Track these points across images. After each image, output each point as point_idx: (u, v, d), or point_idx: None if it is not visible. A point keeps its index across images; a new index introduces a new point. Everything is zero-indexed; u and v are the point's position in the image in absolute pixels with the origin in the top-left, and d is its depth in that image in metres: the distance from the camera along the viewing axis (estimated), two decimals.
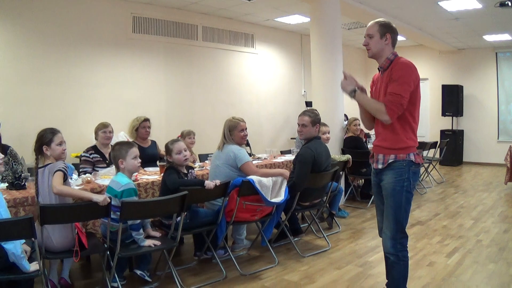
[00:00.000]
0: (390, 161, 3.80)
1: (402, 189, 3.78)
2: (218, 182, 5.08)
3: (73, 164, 6.37)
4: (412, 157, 3.77)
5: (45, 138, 4.36)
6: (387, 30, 3.85)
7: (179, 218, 4.58)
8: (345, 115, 10.65)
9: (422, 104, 12.86)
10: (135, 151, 4.72)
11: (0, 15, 7.85)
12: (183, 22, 10.65)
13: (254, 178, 5.16)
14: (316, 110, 6.32)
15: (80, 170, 6.36)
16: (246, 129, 5.87)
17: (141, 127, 7.14)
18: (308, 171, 5.72)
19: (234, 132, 5.74)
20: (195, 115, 10.93)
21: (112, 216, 4.22)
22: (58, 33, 8.53)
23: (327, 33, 8.98)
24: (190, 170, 5.45)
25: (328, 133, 7.70)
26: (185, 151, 5.25)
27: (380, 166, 3.89)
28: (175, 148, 5.17)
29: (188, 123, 9.78)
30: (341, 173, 7.35)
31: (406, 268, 3.94)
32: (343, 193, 8.73)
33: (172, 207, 4.43)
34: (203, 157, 8.06)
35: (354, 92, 3.89)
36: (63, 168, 4.21)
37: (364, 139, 9.42)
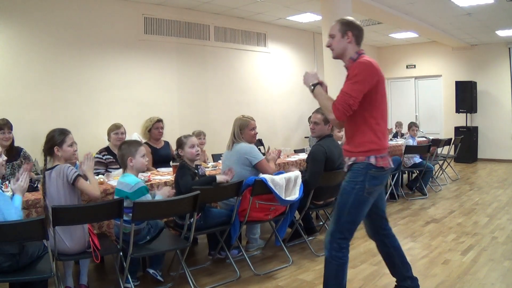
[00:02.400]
0: (349, 163, 3.75)
1: (352, 191, 3.67)
2: (229, 178, 5.11)
3: None
4: (371, 160, 3.65)
5: (57, 139, 4.35)
6: (348, 28, 3.75)
7: (192, 219, 4.56)
8: None
9: (436, 101, 12.93)
10: (143, 149, 4.73)
11: (11, 19, 7.90)
12: (195, 22, 10.66)
13: (267, 176, 5.12)
14: None
15: (93, 171, 6.35)
16: (256, 127, 5.84)
17: (154, 127, 7.13)
18: (321, 169, 5.68)
19: (245, 130, 5.71)
20: (208, 115, 10.94)
21: (125, 218, 4.18)
22: (70, 36, 8.57)
23: None
24: (199, 166, 5.42)
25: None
26: (197, 146, 5.25)
27: (345, 169, 3.85)
28: (189, 142, 5.17)
29: (201, 123, 9.77)
30: None
31: (339, 270, 3.74)
32: None
33: (185, 207, 4.40)
34: (216, 157, 8.06)
35: (315, 86, 3.83)
36: (75, 171, 4.22)
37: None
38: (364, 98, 3.55)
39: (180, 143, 5.22)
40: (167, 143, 7.43)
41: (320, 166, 5.69)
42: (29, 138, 6.84)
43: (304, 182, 5.54)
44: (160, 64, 10.05)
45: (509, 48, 14.89)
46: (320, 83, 3.85)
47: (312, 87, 3.84)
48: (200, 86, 10.83)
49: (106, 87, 9.08)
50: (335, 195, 6.13)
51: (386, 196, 8.70)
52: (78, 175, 4.19)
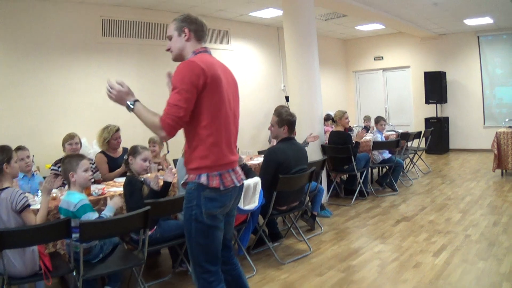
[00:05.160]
0: (181, 182, 3.32)
1: (190, 218, 3.17)
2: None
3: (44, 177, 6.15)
4: (202, 179, 3.13)
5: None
6: (184, 24, 3.32)
7: (148, 233, 4.30)
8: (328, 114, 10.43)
9: (405, 93, 12.80)
10: (85, 163, 4.47)
11: None
12: (154, 22, 10.31)
13: None
14: (288, 109, 5.98)
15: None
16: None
17: (112, 138, 6.79)
18: (270, 175, 5.46)
19: None
20: None
21: (74, 236, 3.95)
22: (26, 41, 8.27)
23: (300, 25, 8.63)
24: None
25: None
26: (149, 162, 5.00)
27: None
28: (143, 154, 4.97)
29: None
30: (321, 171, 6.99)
31: None
32: (326, 190, 8.49)
33: (135, 224, 4.14)
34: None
35: (134, 103, 3.29)
36: (25, 201, 4.01)
37: None
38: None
39: (134, 151, 4.98)
40: (126, 150, 7.09)
41: (269, 172, 5.48)
42: None
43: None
44: (120, 67, 9.70)
45: (478, 37, 14.76)
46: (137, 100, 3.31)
47: (132, 106, 3.28)
48: (161, 87, 10.40)
49: (66, 93, 8.77)
50: (299, 198, 5.95)
51: (355, 194, 8.52)
52: (27, 206, 4.00)
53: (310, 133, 7.69)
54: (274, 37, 13.71)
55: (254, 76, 13.09)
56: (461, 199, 8.39)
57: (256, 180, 5.17)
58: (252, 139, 12.59)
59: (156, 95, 10.27)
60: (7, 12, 8.01)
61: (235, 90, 3.52)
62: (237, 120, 3.47)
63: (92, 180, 4.97)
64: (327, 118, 10.35)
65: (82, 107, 8.94)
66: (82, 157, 4.57)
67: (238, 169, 3.39)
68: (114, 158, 6.81)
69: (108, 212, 4.43)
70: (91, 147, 8.10)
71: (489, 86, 14.79)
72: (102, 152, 6.82)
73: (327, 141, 8.71)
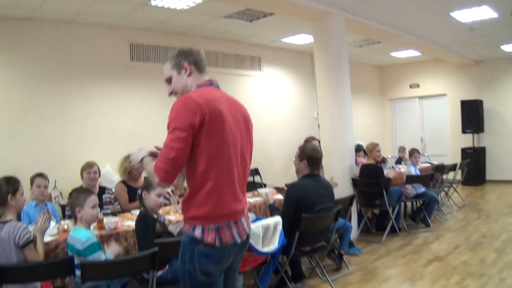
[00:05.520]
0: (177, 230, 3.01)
1: (185, 273, 2.86)
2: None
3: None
4: (197, 233, 2.80)
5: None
6: (181, 59, 3.03)
7: (159, 273, 4.07)
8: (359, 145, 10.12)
9: (441, 122, 12.46)
10: (93, 199, 4.32)
11: None
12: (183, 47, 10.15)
13: None
14: (314, 144, 5.71)
15: (66, 212, 6.04)
16: None
17: (134, 169, 6.56)
18: (291, 212, 5.18)
19: None
20: None
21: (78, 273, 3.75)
22: (54, 65, 8.26)
23: (331, 52, 8.38)
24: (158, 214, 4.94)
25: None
26: (168, 194, 4.77)
27: None
28: (158, 189, 4.70)
29: None
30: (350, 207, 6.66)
31: None
32: (357, 225, 8.17)
33: (143, 265, 3.93)
34: None
35: (143, 159, 2.98)
36: (29, 236, 3.89)
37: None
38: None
39: (148, 186, 4.72)
40: None
41: (289, 210, 5.20)
42: (11, 173, 6.49)
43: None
44: (148, 92, 9.55)
45: None
46: (150, 153, 3.02)
47: (141, 162, 2.97)
48: None
49: (92, 118, 8.69)
50: (324, 238, 5.63)
51: (387, 231, 8.14)
52: (30, 241, 3.88)
53: (331, 176, 7.31)
54: (307, 64, 13.44)
55: (286, 104, 12.85)
56: (497, 236, 7.96)
57: (277, 219, 4.88)
58: (283, 169, 12.24)
59: None
60: (34, 35, 8.01)
61: (246, 128, 3.16)
62: (246, 163, 3.09)
63: (100, 215, 4.73)
64: (358, 149, 10.01)
65: (108, 133, 8.85)
66: (90, 192, 4.42)
67: (244, 220, 3.02)
68: (135, 188, 6.54)
69: (109, 255, 4.22)
70: (115, 174, 7.94)
71: None
72: (123, 181, 6.64)
73: (358, 174, 8.39)
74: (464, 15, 9.35)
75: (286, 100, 12.87)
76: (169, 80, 3.10)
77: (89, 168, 6.32)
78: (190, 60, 3.04)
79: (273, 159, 12.08)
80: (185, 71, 3.03)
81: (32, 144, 7.89)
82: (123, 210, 6.27)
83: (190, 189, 2.87)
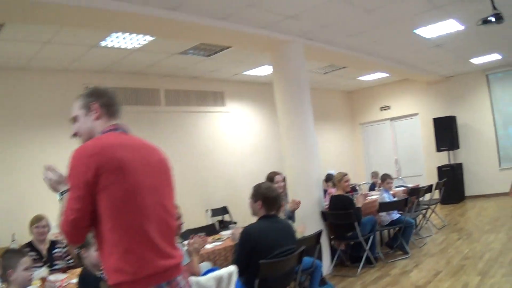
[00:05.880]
0: None
1: None
2: None
3: None
4: None
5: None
6: (91, 99, 2.68)
7: None
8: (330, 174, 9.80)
9: (414, 141, 12.30)
10: (26, 261, 4.01)
11: None
12: (142, 87, 9.95)
13: (192, 279, 4.18)
14: (271, 184, 5.35)
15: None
16: None
17: None
18: (245, 258, 4.75)
19: None
20: None
21: None
22: (5, 113, 8.06)
23: (291, 81, 8.15)
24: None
25: (282, 181, 7.03)
26: None
27: None
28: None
29: None
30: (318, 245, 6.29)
31: None
32: (330, 260, 7.87)
33: None
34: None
35: (62, 195, 2.55)
36: None
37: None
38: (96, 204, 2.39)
39: (87, 243, 4.28)
40: None
41: (243, 256, 4.78)
42: None
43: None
44: None
45: (487, 75, 14.31)
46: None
47: (60, 197, 2.57)
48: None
49: (38, 167, 8.23)
50: (288, 283, 5.25)
51: (362, 262, 7.78)
52: None
53: (292, 199, 7.02)
54: (271, 95, 13.15)
55: (252, 137, 12.68)
56: (480, 257, 7.61)
57: (231, 269, 4.49)
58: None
59: None
60: None
61: (164, 173, 2.76)
62: (168, 211, 2.62)
63: (32, 277, 4.33)
64: (328, 178, 9.68)
65: None
66: (23, 254, 4.13)
67: (181, 279, 2.54)
68: None
69: None
70: None
71: (502, 125, 14.28)
72: None
73: (327, 206, 8.05)
74: (429, 31, 9.20)
75: (251, 133, 12.70)
76: (75, 119, 2.73)
77: (38, 222, 5.98)
78: (101, 102, 2.68)
79: (242, 195, 11.68)
80: (94, 113, 2.67)
81: None
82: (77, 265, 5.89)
83: (103, 251, 2.41)
